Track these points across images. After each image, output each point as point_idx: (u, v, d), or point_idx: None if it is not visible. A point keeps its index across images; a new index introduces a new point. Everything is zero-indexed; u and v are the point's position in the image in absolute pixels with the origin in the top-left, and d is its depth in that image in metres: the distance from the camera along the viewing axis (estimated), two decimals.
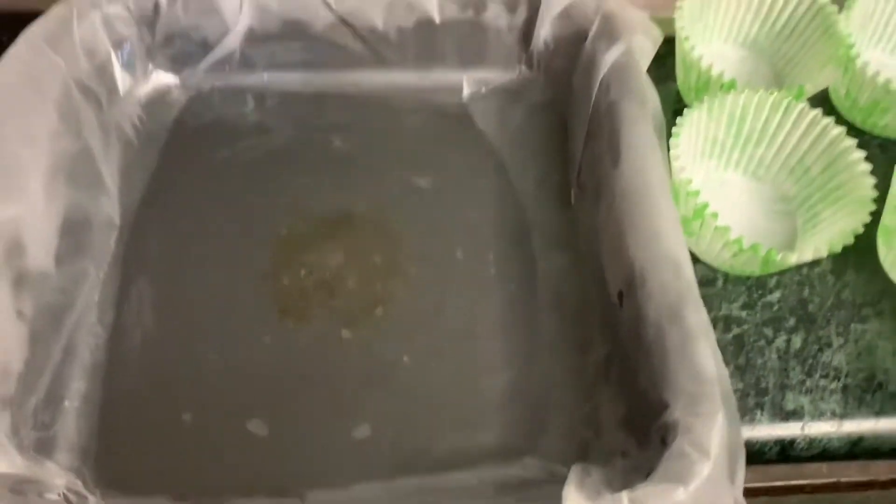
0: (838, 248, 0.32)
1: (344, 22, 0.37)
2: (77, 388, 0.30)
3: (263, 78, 0.38)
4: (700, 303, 0.28)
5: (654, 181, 0.30)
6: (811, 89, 0.36)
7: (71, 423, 0.29)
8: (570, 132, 0.37)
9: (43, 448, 0.28)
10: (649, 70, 0.36)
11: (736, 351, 0.33)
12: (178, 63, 0.37)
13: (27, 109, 0.31)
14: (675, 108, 0.40)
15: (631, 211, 0.30)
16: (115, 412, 0.30)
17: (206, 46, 0.37)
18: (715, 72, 0.36)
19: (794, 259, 0.31)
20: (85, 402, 0.30)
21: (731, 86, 0.35)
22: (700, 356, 0.26)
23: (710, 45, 0.42)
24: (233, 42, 0.37)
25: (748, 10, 0.40)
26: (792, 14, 0.39)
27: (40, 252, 0.30)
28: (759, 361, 0.33)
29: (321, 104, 0.38)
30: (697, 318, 0.27)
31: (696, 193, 0.32)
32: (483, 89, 0.39)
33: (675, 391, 0.26)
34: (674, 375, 0.27)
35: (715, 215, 0.32)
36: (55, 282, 0.30)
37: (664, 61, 0.40)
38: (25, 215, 0.29)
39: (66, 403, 0.30)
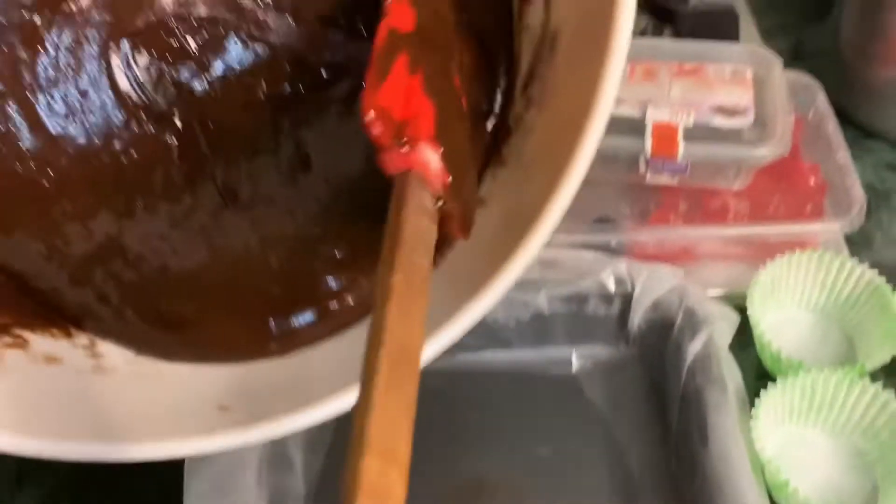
0: None
1: None
2: None
3: None
4: None
5: (738, 466, 0.37)
6: (871, 366, 0.42)
7: None
8: (666, 407, 0.44)
9: None
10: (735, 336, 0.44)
11: None
12: None
13: None
14: (756, 372, 0.47)
15: (719, 493, 0.37)
16: None
17: None
18: (784, 354, 0.43)
19: None
20: None
21: (800, 366, 0.42)
22: None
23: (785, 311, 0.48)
24: None
25: (815, 282, 0.47)
26: (853, 289, 0.46)
27: None
28: None
29: (458, 381, 0.47)
30: None
31: (786, 483, 0.38)
32: (590, 363, 0.47)
33: None
34: None
35: (796, 490, 0.38)
36: None
37: (745, 326, 0.47)
38: None
39: None
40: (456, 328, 0.34)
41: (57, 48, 0.39)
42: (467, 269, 0.37)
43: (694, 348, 0.42)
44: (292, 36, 0.41)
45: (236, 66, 0.41)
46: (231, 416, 0.36)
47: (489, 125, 0.40)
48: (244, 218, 0.41)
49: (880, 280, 0.45)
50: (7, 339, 0.36)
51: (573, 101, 0.33)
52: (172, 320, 0.39)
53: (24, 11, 0.38)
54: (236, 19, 0.41)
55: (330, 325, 0.39)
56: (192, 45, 0.41)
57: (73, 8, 0.39)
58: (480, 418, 0.46)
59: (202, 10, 0.41)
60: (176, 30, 0.40)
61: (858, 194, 0.46)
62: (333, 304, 0.39)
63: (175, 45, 0.41)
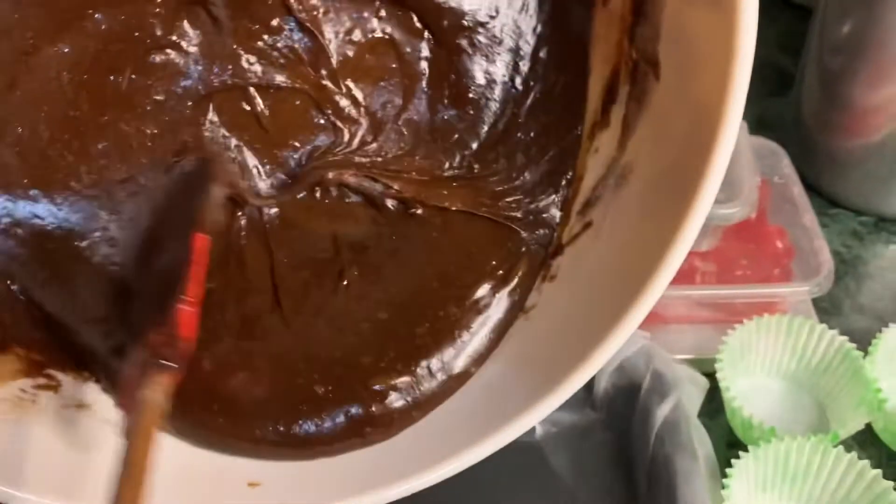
0: None
1: None
2: None
3: None
4: None
5: None
6: (844, 434, 0.40)
7: None
8: (634, 475, 0.42)
9: None
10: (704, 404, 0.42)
11: None
12: None
13: None
14: (726, 441, 0.45)
15: None
16: None
17: None
18: (756, 420, 0.41)
19: None
20: None
21: (772, 433, 0.40)
22: None
23: (754, 378, 0.47)
24: None
25: (784, 348, 0.46)
26: (824, 355, 0.45)
27: None
28: None
29: None
30: None
31: None
32: (554, 429, 0.45)
33: None
34: None
35: None
36: None
37: (714, 394, 0.45)
38: None
39: None
40: (503, 437, 0.36)
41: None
42: (512, 383, 0.37)
43: (662, 413, 0.40)
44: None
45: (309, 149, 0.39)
46: (259, 495, 0.34)
47: (529, 233, 0.38)
48: (289, 324, 0.38)
49: (851, 346, 0.44)
50: (41, 381, 0.35)
51: (641, 244, 0.32)
52: (204, 426, 0.37)
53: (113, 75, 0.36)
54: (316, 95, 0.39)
55: (363, 441, 0.37)
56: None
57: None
58: (437, 489, 0.43)
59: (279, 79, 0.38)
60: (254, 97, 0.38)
61: (826, 257, 0.46)
62: (368, 431, 0.37)
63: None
